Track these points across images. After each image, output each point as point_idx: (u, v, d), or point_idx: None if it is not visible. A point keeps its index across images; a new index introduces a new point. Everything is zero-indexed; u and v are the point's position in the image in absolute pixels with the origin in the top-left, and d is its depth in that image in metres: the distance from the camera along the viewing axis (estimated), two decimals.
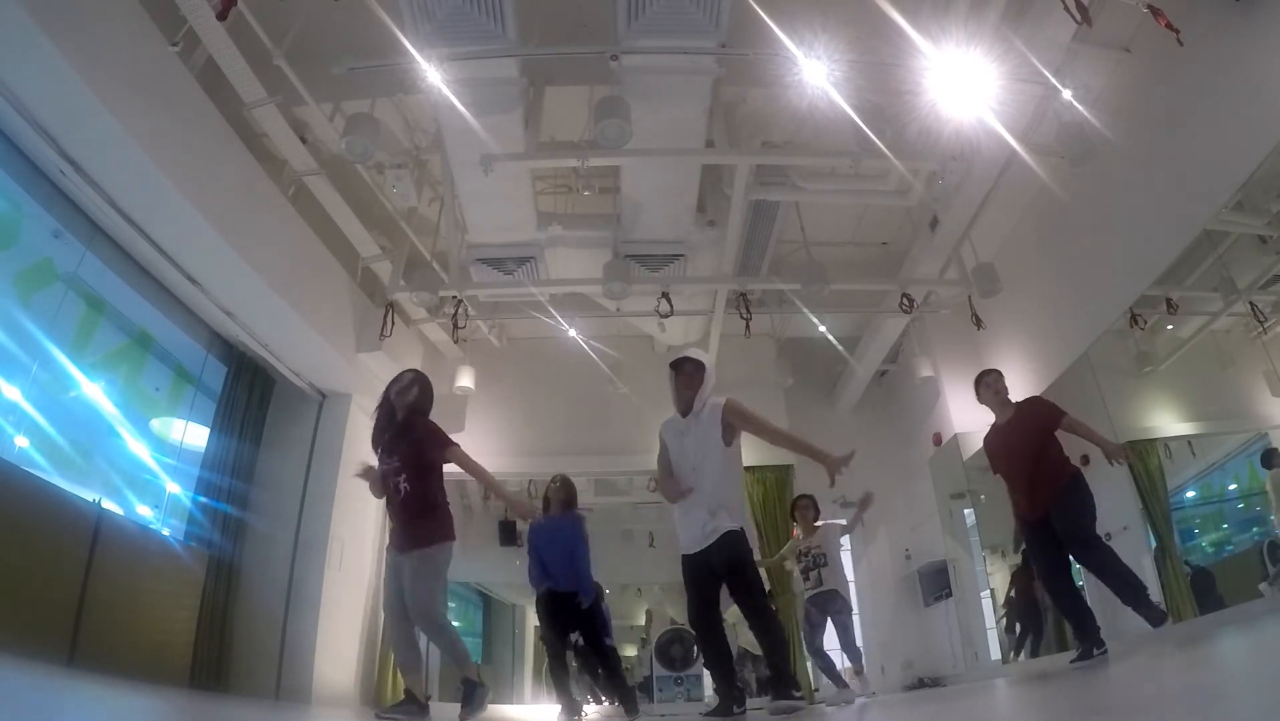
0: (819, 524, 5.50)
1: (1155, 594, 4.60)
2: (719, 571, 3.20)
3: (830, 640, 5.50)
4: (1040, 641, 5.98)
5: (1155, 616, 3.48)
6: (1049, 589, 4.02)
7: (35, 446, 3.73)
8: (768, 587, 6.74)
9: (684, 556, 3.30)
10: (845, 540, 5.71)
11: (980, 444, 6.37)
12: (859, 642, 5.51)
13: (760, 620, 3.17)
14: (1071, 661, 3.72)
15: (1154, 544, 4.72)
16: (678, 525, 3.35)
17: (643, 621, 9.14)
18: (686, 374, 3.42)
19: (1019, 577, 6.25)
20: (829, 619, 5.31)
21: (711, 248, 5.98)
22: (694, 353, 3.53)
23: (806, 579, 5.38)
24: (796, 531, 5.73)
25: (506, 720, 6.63)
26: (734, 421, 3.34)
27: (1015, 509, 3.99)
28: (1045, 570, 3.90)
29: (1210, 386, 4.93)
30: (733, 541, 3.18)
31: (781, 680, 3.11)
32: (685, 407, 3.41)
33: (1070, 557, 3.80)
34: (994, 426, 4.13)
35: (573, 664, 4.77)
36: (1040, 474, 3.80)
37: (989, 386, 4.16)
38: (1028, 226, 6.05)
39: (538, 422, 7.17)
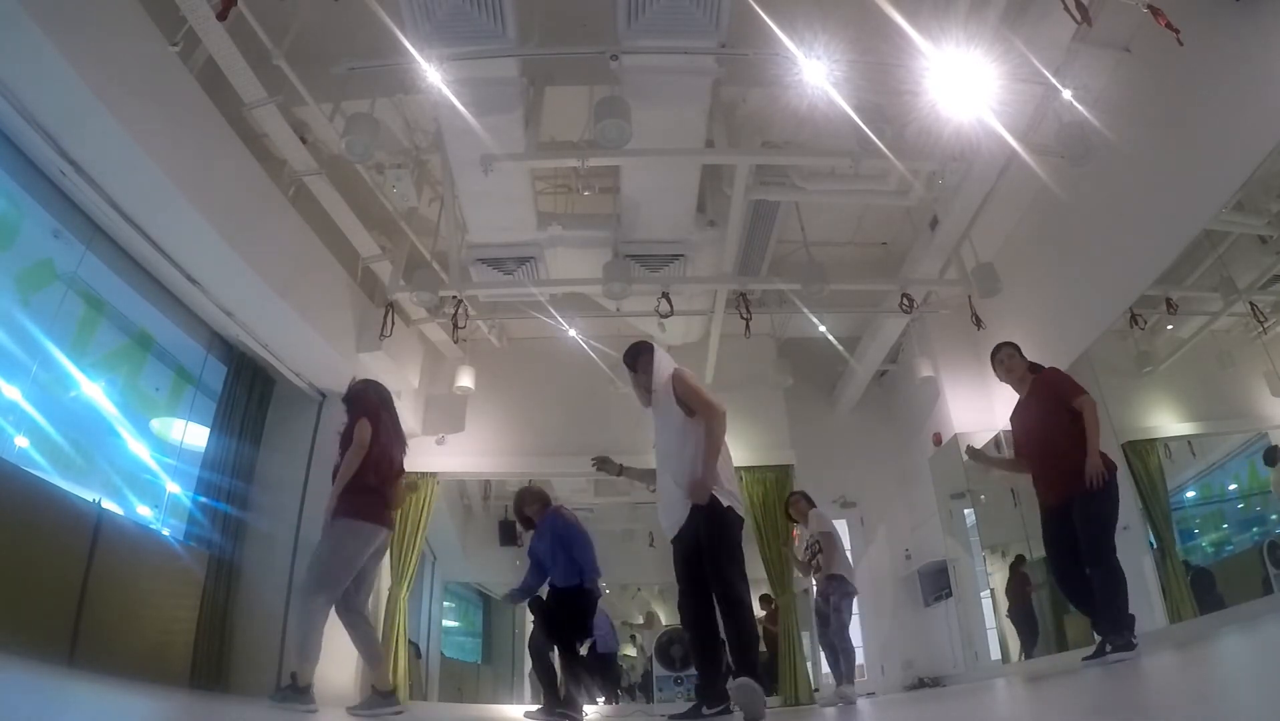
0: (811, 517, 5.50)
1: (1155, 594, 4.62)
2: (699, 549, 2.99)
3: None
4: (1035, 643, 5.99)
5: (1120, 645, 3.26)
6: (1057, 581, 3.68)
7: (35, 446, 3.73)
8: (768, 590, 6.78)
9: (671, 542, 3.14)
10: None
11: (980, 444, 6.44)
12: (855, 642, 5.37)
13: (732, 610, 2.95)
14: (1084, 659, 3.58)
15: (1154, 544, 4.73)
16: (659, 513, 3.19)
17: (641, 621, 9.15)
18: (635, 369, 3.26)
19: (1011, 585, 6.24)
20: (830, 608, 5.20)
21: (711, 248, 5.98)
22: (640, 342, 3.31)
23: (816, 570, 5.30)
24: (796, 532, 5.70)
25: (505, 720, 6.63)
26: (679, 390, 3.10)
27: (1037, 495, 3.70)
28: (1052, 560, 3.62)
29: (1210, 386, 4.94)
30: (702, 518, 2.97)
31: (751, 672, 2.85)
32: (646, 400, 3.23)
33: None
34: (1015, 405, 3.86)
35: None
36: (1058, 452, 3.51)
37: (1001, 364, 3.87)
38: (1028, 226, 6.06)
39: (538, 422, 7.17)
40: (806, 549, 5.38)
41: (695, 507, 2.98)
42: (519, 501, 4.55)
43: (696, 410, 3.06)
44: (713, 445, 3.01)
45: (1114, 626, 3.33)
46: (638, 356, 3.26)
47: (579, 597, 4.22)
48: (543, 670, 4.24)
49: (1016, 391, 3.91)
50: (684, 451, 3.05)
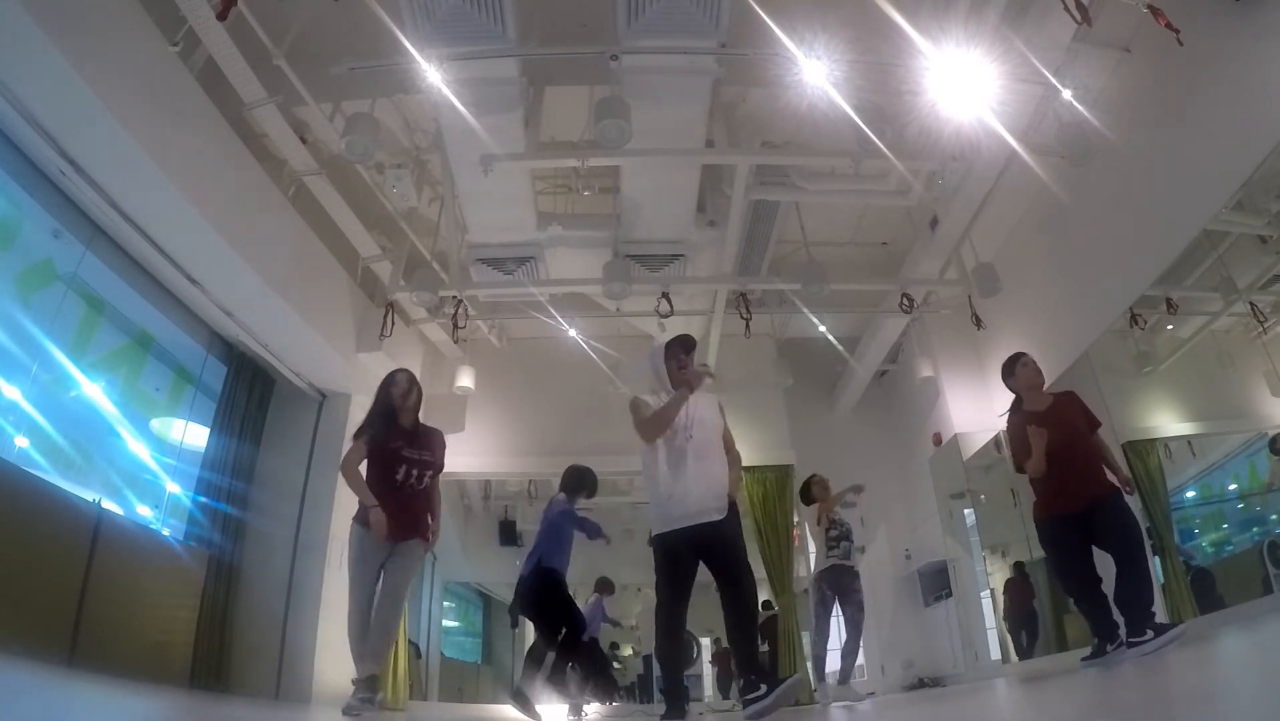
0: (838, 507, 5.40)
1: (1155, 594, 4.62)
2: (708, 551, 3.10)
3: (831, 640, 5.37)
4: (1035, 643, 5.99)
5: (1157, 630, 3.31)
6: (1075, 588, 3.70)
7: (35, 446, 3.72)
8: (765, 592, 6.77)
9: (672, 533, 3.08)
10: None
11: (980, 444, 6.45)
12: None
13: (751, 607, 3.11)
14: (1083, 659, 3.64)
15: (1154, 543, 4.72)
16: (676, 494, 3.10)
17: (632, 621, 9.12)
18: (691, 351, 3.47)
19: (1012, 587, 6.23)
20: (839, 603, 5.11)
21: (711, 248, 5.98)
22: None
23: (834, 547, 5.14)
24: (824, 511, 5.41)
25: (505, 720, 6.63)
26: (726, 422, 3.43)
27: (1044, 504, 3.74)
28: (1071, 568, 3.66)
29: (1210, 386, 4.93)
30: (734, 517, 3.16)
31: (762, 672, 3.00)
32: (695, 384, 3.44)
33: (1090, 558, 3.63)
34: (1026, 412, 3.86)
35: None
36: (1084, 469, 3.62)
37: (1026, 366, 3.93)
38: (1028, 226, 6.05)
39: (538, 423, 7.17)
40: (836, 524, 5.23)
41: (734, 508, 3.17)
42: (593, 483, 4.66)
43: (731, 448, 3.37)
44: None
45: (1145, 615, 3.37)
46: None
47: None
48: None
49: (1028, 400, 3.92)
50: (723, 456, 3.29)
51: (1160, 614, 4.52)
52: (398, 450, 3.68)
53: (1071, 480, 3.63)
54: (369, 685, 3.40)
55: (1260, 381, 4.25)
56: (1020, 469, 3.83)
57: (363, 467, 3.67)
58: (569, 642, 4.32)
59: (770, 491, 6.82)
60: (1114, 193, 4.91)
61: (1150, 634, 3.29)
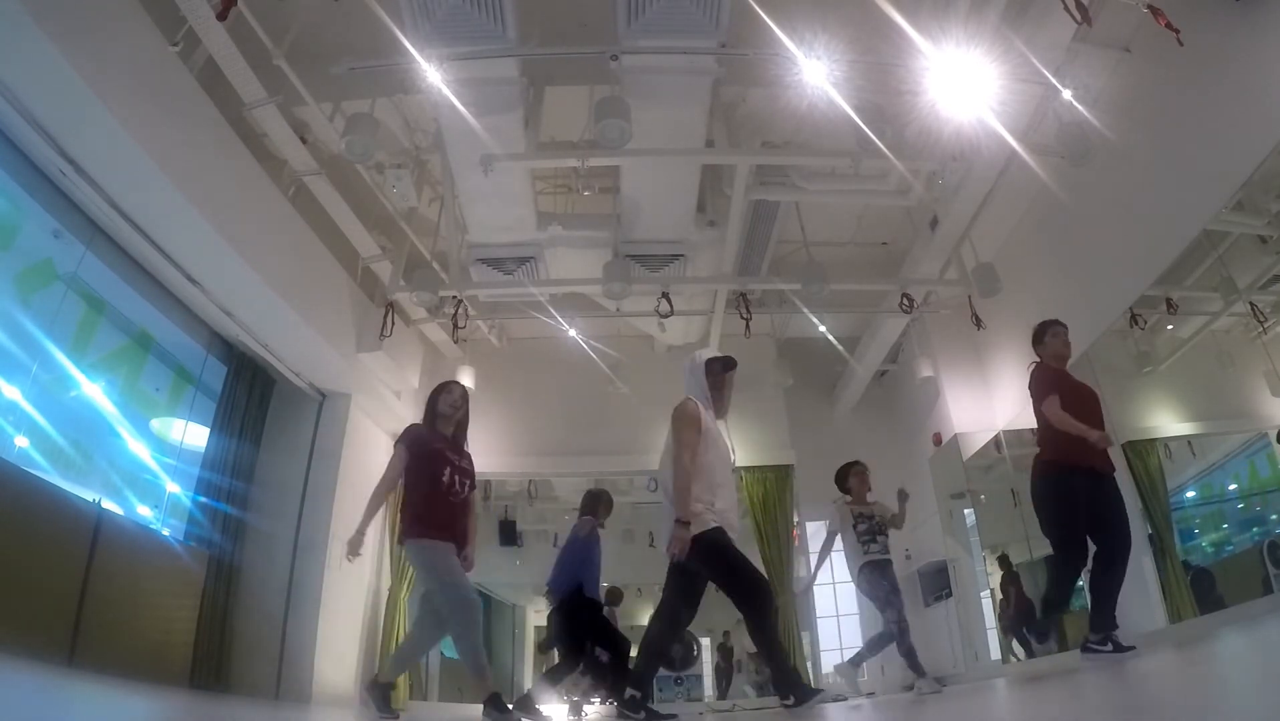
0: (872, 499, 5.08)
1: (1154, 594, 4.62)
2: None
3: (846, 632, 5.14)
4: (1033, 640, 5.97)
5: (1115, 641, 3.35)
6: (1065, 538, 3.57)
7: (35, 446, 3.72)
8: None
9: (725, 530, 3.18)
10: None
11: (980, 444, 6.45)
12: (857, 640, 5.30)
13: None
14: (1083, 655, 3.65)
15: (1154, 543, 4.73)
16: (725, 505, 3.22)
17: (643, 622, 9.13)
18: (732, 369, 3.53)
19: (1010, 584, 6.21)
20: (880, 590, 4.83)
21: (711, 248, 5.98)
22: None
23: (872, 541, 4.86)
24: (854, 498, 5.10)
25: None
26: None
27: (1063, 451, 3.57)
28: (1076, 522, 3.53)
29: (1210, 386, 4.93)
30: None
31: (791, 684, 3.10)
32: (725, 411, 3.54)
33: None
34: (1060, 371, 3.81)
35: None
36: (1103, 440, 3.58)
37: (1058, 336, 3.86)
38: (1028, 226, 6.06)
39: (538, 423, 7.17)
40: (868, 520, 4.94)
41: None
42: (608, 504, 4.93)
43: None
44: None
45: (1110, 616, 3.39)
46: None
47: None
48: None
49: (1057, 367, 3.83)
50: None
51: (1160, 614, 4.55)
52: (441, 451, 3.64)
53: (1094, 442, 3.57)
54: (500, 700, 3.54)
55: (1260, 381, 4.25)
56: (1042, 399, 3.66)
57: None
58: (616, 664, 4.55)
59: (770, 491, 6.82)
60: (1114, 193, 4.91)
61: (1110, 646, 3.33)
